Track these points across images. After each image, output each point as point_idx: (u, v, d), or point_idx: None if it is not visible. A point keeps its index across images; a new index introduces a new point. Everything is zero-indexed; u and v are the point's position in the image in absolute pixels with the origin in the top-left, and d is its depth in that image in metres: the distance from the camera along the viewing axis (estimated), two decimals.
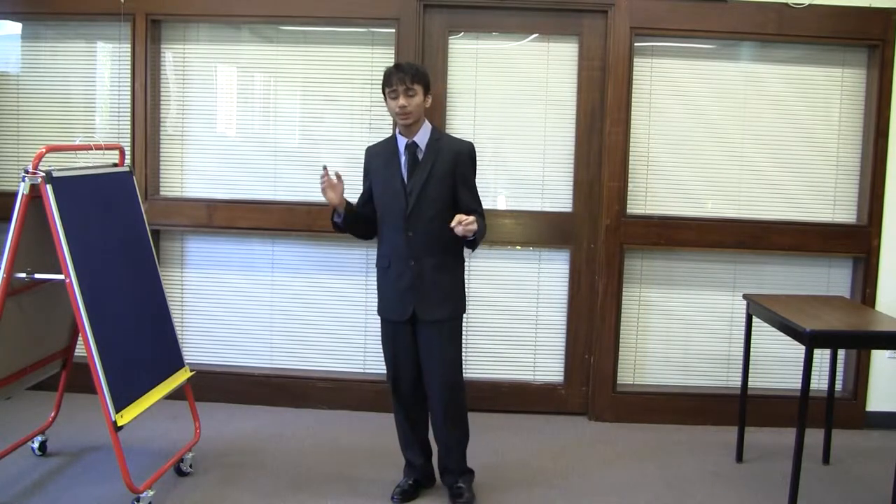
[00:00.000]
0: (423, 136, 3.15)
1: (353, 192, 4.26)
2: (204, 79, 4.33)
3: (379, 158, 3.21)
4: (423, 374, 3.23)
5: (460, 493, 3.23)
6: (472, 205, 3.17)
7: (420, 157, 3.14)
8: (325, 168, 3.07)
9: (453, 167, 3.14)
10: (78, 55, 4.36)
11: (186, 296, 4.43)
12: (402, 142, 3.16)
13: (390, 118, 4.19)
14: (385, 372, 4.24)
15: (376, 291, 3.27)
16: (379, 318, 3.28)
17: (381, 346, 4.24)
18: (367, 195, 3.26)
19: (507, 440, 3.93)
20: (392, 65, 3.17)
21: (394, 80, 3.08)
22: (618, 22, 4.06)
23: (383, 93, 3.15)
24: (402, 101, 3.07)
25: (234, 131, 4.38)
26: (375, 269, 3.27)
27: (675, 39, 4.17)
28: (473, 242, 3.12)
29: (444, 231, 3.03)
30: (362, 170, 3.27)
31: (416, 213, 3.09)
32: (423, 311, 3.13)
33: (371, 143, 3.32)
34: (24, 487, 3.28)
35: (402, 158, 3.15)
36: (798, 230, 4.17)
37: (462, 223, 2.95)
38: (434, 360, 3.18)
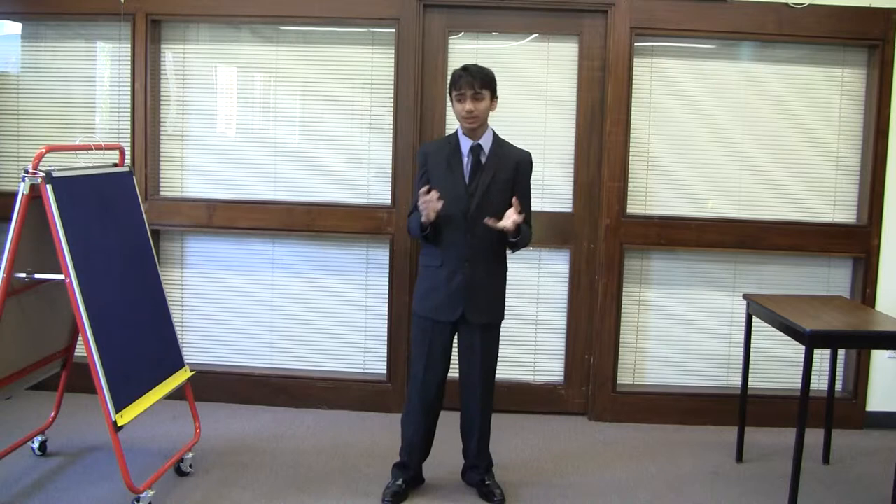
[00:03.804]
0: (486, 140, 3.18)
1: (352, 191, 4.30)
2: (204, 79, 4.33)
3: (438, 157, 3.20)
4: (463, 375, 3.27)
5: (491, 490, 3.30)
6: (525, 215, 3.20)
7: (483, 160, 3.16)
8: (428, 190, 3.03)
9: (514, 175, 3.19)
10: (78, 55, 4.36)
11: (186, 296, 4.43)
12: (465, 143, 3.17)
13: (391, 118, 4.20)
14: (384, 372, 4.30)
15: (417, 289, 3.26)
16: (413, 315, 3.27)
17: (381, 346, 4.31)
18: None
19: (507, 440, 3.93)
20: (461, 67, 3.15)
21: (462, 84, 3.08)
22: (618, 22, 4.06)
23: (450, 94, 3.15)
24: (469, 105, 3.08)
25: (234, 131, 4.38)
26: (421, 268, 3.26)
27: (675, 39, 4.17)
28: (515, 245, 3.17)
29: (499, 236, 3.11)
30: (419, 168, 3.25)
31: (476, 216, 3.10)
32: (472, 313, 3.17)
33: (426, 142, 3.31)
34: (24, 487, 3.28)
35: (466, 160, 3.16)
36: (798, 230, 4.17)
37: (510, 218, 3.01)
38: (476, 362, 3.22)
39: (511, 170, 3.18)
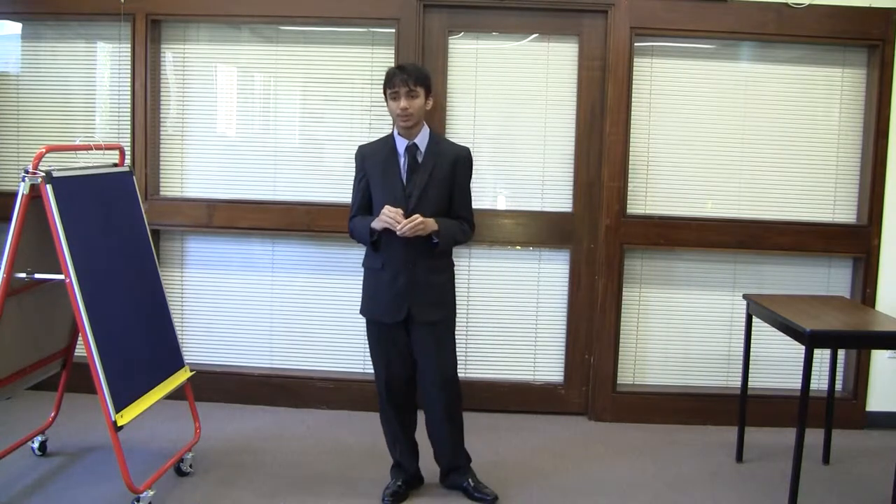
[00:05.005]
0: (422, 139, 3.14)
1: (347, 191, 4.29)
2: (204, 79, 4.33)
3: (375, 159, 3.17)
4: (420, 375, 3.24)
5: (479, 489, 3.29)
6: (462, 211, 3.20)
7: (420, 159, 3.13)
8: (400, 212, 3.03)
9: (452, 171, 3.15)
10: (78, 55, 4.36)
11: (186, 296, 4.43)
12: (401, 143, 3.14)
13: (390, 118, 4.18)
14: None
15: (363, 292, 3.25)
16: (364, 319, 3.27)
17: None
18: (365, 196, 3.21)
19: (507, 440, 3.93)
20: (394, 65, 3.12)
21: (396, 82, 3.05)
22: (618, 22, 4.06)
23: (384, 93, 3.13)
24: (403, 102, 3.05)
25: (234, 131, 4.38)
26: (364, 270, 3.24)
27: (675, 39, 4.17)
28: (437, 245, 3.11)
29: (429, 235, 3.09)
30: (356, 171, 3.22)
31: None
32: (418, 312, 3.14)
33: (362, 143, 3.28)
34: (24, 487, 3.29)
35: (402, 160, 3.14)
36: (798, 230, 4.17)
37: (408, 225, 2.98)
38: (432, 360, 3.19)
39: (449, 167, 3.14)
